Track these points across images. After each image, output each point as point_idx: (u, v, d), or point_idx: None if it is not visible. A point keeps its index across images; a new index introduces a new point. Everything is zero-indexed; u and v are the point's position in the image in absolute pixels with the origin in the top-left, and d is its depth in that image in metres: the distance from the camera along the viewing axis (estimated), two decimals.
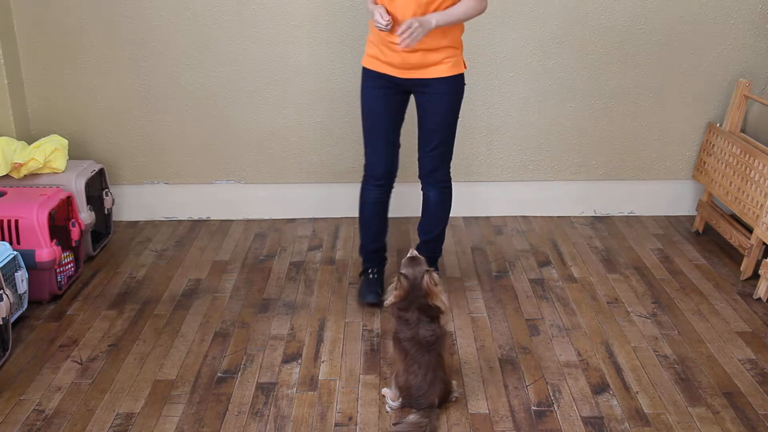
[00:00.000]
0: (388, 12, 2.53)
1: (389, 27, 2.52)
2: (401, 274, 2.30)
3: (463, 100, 3.53)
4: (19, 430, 2.22)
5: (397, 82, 2.68)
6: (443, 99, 2.70)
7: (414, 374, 2.24)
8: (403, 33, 2.46)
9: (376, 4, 2.59)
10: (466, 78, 3.49)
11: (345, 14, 3.39)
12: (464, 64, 2.73)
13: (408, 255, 2.39)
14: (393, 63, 2.63)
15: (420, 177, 2.88)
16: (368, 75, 2.72)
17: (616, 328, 2.78)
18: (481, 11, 2.62)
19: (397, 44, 2.51)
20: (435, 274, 2.31)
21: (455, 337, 2.71)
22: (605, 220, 3.74)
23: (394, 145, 2.82)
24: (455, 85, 2.71)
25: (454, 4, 2.56)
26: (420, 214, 2.97)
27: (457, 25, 2.65)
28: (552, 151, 3.67)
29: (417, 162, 2.86)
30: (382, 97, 2.72)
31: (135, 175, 3.68)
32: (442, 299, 2.30)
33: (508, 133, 3.63)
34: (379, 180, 2.83)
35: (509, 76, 3.53)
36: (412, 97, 2.78)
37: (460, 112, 3.56)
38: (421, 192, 2.92)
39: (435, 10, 2.54)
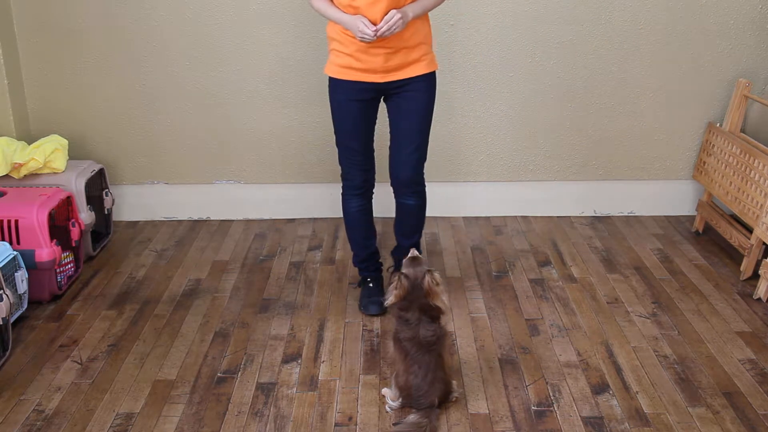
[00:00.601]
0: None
1: (375, 37, 2.46)
2: (402, 273, 2.29)
3: (464, 100, 3.56)
4: (19, 430, 2.23)
5: (375, 88, 2.62)
6: (423, 96, 2.65)
7: (414, 374, 2.23)
8: (384, 25, 2.44)
9: (347, 14, 2.51)
10: (462, 76, 3.51)
11: None
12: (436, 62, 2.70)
13: (409, 255, 2.39)
14: (373, 69, 2.57)
15: (396, 184, 2.79)
16: (340, 85, 2.66)
17: (616, 328, 2.78)
18: None
19: (372, 33, 2.45)
20: (436, 274, 2.29)
21: (455, 337, 2.71)
22: (605, 220, 3.74)
23: (370, 153, 2.78)
24: (432, 82, 2.68)
25: None
26: (396, 221, 2.91)
27: (427, 22, 2.62)
28: (552, 151, 3.67)
29: (389, 169, 2.78)
30: (356, 107, 2.66)
31: (135, 175, 3.68)
32: (442, 299, 2.30)
33: (508, 133, 3.63)
34: (358, 189, 2.82)
35: (509, 76, 3.53)
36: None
37: (459, 112, 3.58)
38: (396, 200, 2.84)
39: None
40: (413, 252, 2.39)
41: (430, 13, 3.31)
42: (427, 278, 2.26)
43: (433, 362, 2.24)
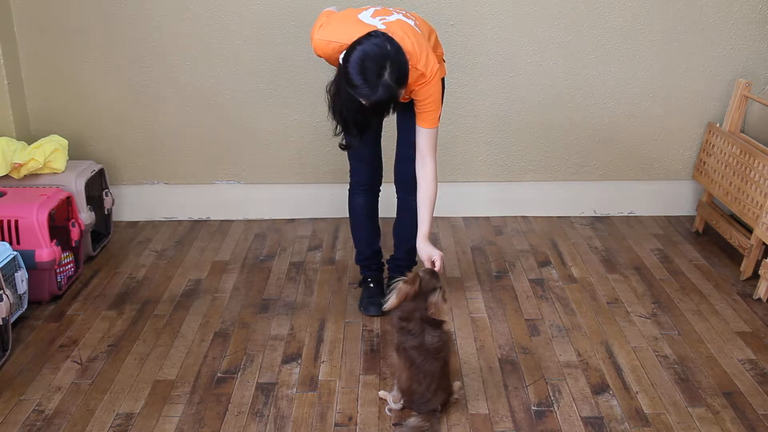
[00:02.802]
0: None
1: None
2: (419, 274, 2.25)
3: (464, 100, 3.56)
4: (19, 430, 2.22)
5: None
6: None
7: (418, 383, 2.21)
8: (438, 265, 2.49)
9: None
10: (462, 76, 3.51)
11: None
12: (445, 69, 2.68)
13: (428, 266, 2.41)
14: None
15: (399, 183, 2.81)
16: None
17: (616, 328, 2.78)
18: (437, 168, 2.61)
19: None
20: (446, 295, 2.27)
21: (455, 337, 2.71)
22: (605, 220, 3.74)
23: (377, 150, 2.79)
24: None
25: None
26: (396, 222, 2.92)
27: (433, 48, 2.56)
28: (552, 151, 3.67)
29: (394, 168, 2.79)
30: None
31: (135, 175, 3.68)
32: (443, 317, 2.26)
33: (508, 133, 3.63)
34: (365, 185, 2.82)
35: (509, 76, 3.53)
36: None
37: (459, 112, 3.58)
38: (398, 200, 2.85)
39: None
40: (432, 267, 2.41)
41: (429, 14, 3.33)
42: (437, 295, 2.22)
43: (438, 370, 2.21)
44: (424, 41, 2.45)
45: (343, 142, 2.51)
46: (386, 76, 2.23)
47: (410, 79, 2.38)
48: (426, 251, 2.53)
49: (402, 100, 2.52)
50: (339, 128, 2.46)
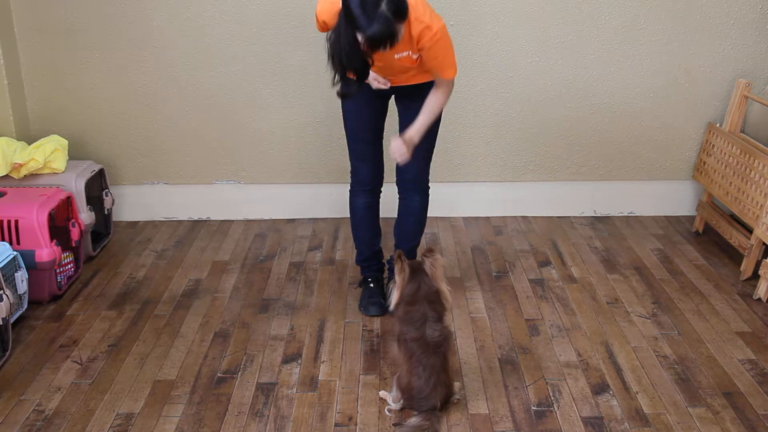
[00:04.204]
0: None
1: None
2: (401, 258, 2.28)
3: (464, 100, 3.56)
4: (19, 430, 2.23)
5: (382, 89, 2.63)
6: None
7: (417, 376, 2.22)
8: (395, 153, 2.51)
9: None
10: (463, 76, 3.51)
11: None
12: None
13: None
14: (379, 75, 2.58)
15: (401, 182, 2.81)
16: (350, 80, 2.63)
17: (616, 328, 2.78)
18: (447, 101, 2.60)
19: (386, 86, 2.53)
20: (437, 255, 2.30)
21: (455, 337, 2.71)
22: (605, 220, 3.74)
23: (379, 150, 2.79)
24: None
25: (421, 73, 2.56)
26: (398, 222, 2.92)
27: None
28: (552, 151, 3.67)
29: (395, 167, 2.79)
30: (365, 104, 2.66)
31: (135, 175, 3.68)
32: (445, 287, 2.29)
33: (508, 133, 3.63)
34: (367, 185, 2.82)
35: (509, 76, 3.53)
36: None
37: (459, 112, 3.58)
38: (400, 199, 2.85)
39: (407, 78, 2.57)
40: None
41: None
42: (428, 261, 2.27)
43: (437, 365, 2.22)
44: (426, 2, 2.46)
45: (341, 90, 2.49)
46: (383, 6, 2.24)
47: (415, 31, 2.38)
48: (394, 147, 2.53)
49: (410, 64, 2.49)
50: (337, 77, 2.45)
